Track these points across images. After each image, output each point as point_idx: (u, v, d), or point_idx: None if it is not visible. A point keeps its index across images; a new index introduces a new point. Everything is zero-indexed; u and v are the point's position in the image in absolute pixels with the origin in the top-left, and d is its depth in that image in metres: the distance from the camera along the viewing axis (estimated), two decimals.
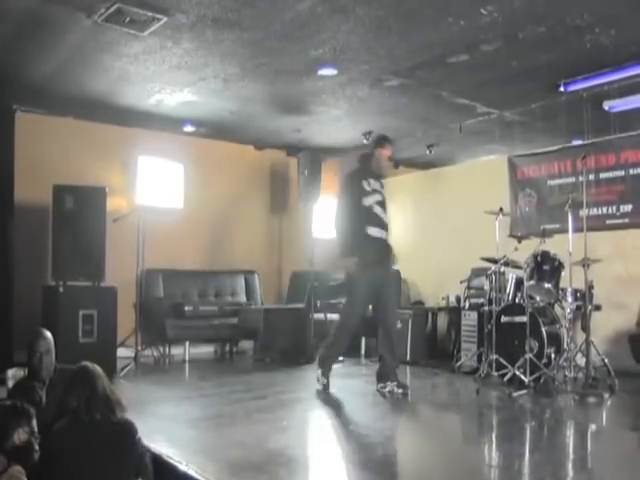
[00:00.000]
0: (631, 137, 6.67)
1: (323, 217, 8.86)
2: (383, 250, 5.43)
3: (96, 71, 6.12)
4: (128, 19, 4.89)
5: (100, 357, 5.43)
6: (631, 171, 6.62)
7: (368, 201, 5.37)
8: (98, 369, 2.96)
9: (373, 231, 5.35)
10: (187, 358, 7.50)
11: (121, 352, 6.56)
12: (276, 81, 6.49)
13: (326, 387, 5.40)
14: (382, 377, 5.40)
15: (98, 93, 6.77)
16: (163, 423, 4.39)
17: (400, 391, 5.25)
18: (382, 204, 5.47)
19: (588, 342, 5.26)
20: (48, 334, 3.81)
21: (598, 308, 5.73)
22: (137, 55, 5.71)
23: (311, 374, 5.72)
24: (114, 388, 3.03)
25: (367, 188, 5.40)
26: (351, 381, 6.26)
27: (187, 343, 7.55)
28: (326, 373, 5.44)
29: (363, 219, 5.34)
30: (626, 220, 6.55)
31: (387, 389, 5.31)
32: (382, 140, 5.58)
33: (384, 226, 5.46)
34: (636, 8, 4.83)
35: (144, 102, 7.11)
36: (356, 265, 5.24)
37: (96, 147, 7.65)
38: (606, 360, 5.37)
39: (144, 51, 5.61)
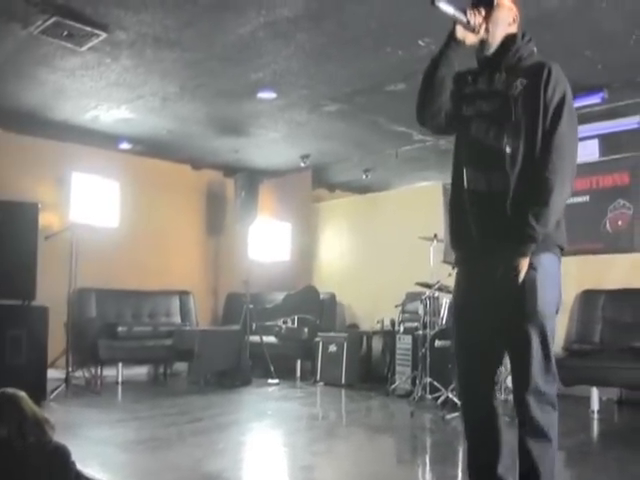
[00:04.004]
0: None
1: (259, 239, 8.85)
2: None
3: (30, 83, 5.98)
4: (66, 33, 4.80)
5: (29, 379, 5.28)
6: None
7: None
8: (19, 391, 2.86)
9: None
10: (120, 380, 7.32)
11: (51, 373, 6.32)
12: (215, 102, 6.50)
13: None
14: None
15: (32, 106, 6.61)
16: (96, 447, 4.26)
17: None
18: None
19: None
20: None
21: None
22: (74, 70, 5.61)
23: (246, 396, 5.68)
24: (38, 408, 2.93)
25: None
26: (286, 404, 6.24)
27: (120, 364, 7.37)
28: None
29: None
30: None
31: None
32: None
33: None
34: (563, 49, 5.07)
35: (80, 117, 6.98)
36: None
37: (28, 162, 7.45)
38: None
39: (81, 66, 5.53)
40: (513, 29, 2.54)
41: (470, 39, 2.45)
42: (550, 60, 2.48)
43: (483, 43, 2.49)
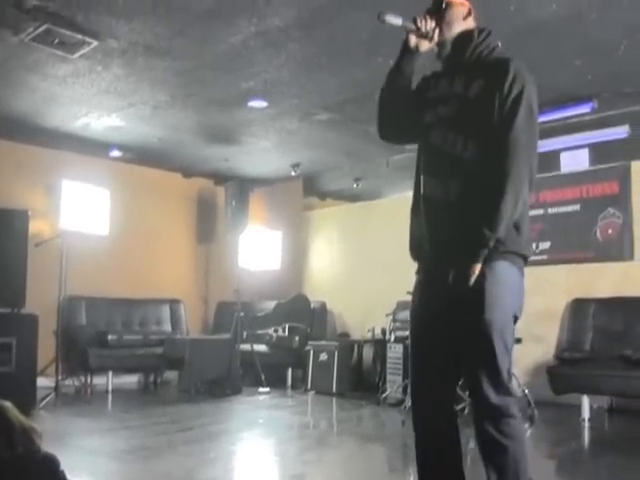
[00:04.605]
0: (549, 178, 6.99)
1: (250, 247, 8.84)
2: None
3: (21, 90, 5.96)
4: (57, 40, 4.80)
5: (19, 388, 5.23)
6: (549, 210, 6.92)
7: None
8: (4, 401, 2.83)
9: None
10: (110, 388, 7.28)
11: (41, 382, 6.29)
12: (206, 111, 6.50)
13: None
14: None
15: (22, 113, 6.59)
16: (86, 456, 4.24)
17: None
18: None
19: (510, 374, 5.42)
20: None
21: (519, 341, 5.90)
22: (65, 77, 5.60)
23: (237, 405, 5.66)
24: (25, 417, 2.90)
25: None
26: (277, 413, 6.22)
27: (110, 373, 7.33)
28: None
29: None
30: (545, 257, 6.82)
31: None
32: None
33: None
34: (552, 59, 5.13)
35: (70, 125, 6.96)
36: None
37: (19, 169, 7.42)
38: (526, 391, 5.54)
39: (73, 74, 5.52)
40: (469, 24, 2.47)
41: (425, 46, 2.42)
42: (512, 55, 2.38)
43: (440, 46, 2.45)
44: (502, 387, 2.27)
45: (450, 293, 2.27)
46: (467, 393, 5.36)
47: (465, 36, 2.44)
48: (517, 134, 2.25)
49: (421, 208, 2.42)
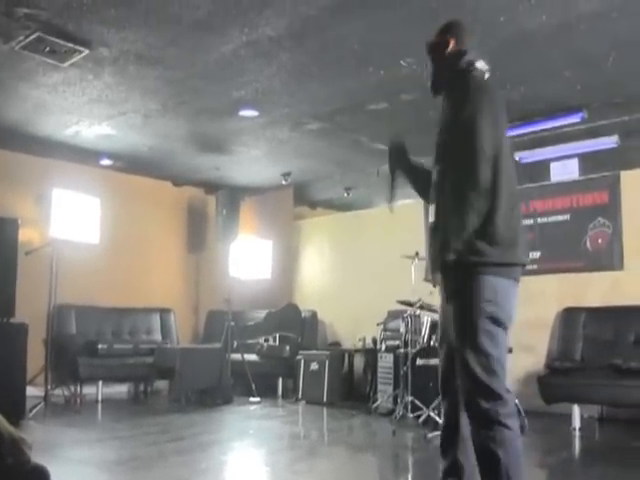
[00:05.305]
0: (539, 187, 7.02)
1: (241, 256, 8.82)
2: None
3: (11, 99, 5.95)
4: (48, 49, 4.79)
5: (8, 397, 5.18)
6: (539, 220, 6.95)
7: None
8: None
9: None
10: (100, 398, 7.24)
11: (30, 391, 6.23)
12: (197, 120, 6.50)
13: None
14: None
15: (12, 121, 6.57)
16: (76, 467, 4.20)
17: None
18: None
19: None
20: None
21: (509, 351, 5.92)
22: (56, 85, 5.59)
23: (228, 415, 5.63)
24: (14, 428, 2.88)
25: None
26: (268, 423, 6.19)
27: (100, 382, 7.30)
28: None
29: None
30: (535, 266, 6.84)
31: None
32: None
33: None
34: (542, 69, 5.17)
35: (61, 133, 6.95)
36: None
37: (8, 177, 7.40)
38: (517, 401, 5.53)
39: (63, 82, 5.51)
40: (453, 50, 2.66)
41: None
42: (474, 70, 2.59)
43: (433, 85, 2.72)
44: (482, 392, 2.41)
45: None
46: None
47: (445, 64, 2.73)
48: (471, 149, 2.41)
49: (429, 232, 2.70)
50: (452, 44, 2.65)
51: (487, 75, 2.63)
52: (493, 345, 2.41)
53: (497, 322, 2.42)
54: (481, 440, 2.38)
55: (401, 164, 2.88)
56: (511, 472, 2.30)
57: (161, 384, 8.00)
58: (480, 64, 2.62)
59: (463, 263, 2.39)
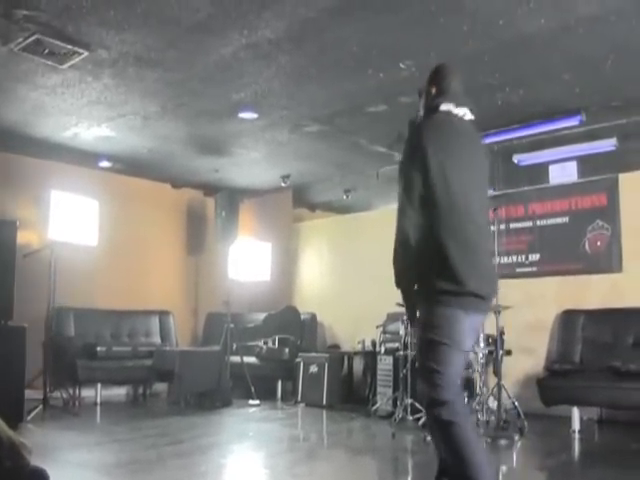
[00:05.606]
0: (537, 190, 7.03)
1: (240, 259, 8.81)
2: None
3: (9, 100, 5.93)
4: (47, 51, 4.79)
5: (6, 400, 5.16)
6: (538, 222, 6.95)
7: None
8: None
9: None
10: (99, 400, 7.23)
11: (28, 394, 6.20)
12: (196, 122, 6.50)
13: None
14: None
15: (11, 123, 6.56)
16: (75, 470, 4.19)
17: None
18: None
19: (499, 386, 5.45)
20: None
21: (509, 353, 5.93)
22: (55, 87, 5.59)
23: (227, 417, 5.62)
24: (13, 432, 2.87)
25: None
26: (267, 425, 6.19)
27: (99, 385, 7.28)
28: None
29: None
30: (534, 269, 6.85)
31: None
32: None
33: None
34: (541, 72, 5.17)
35: (60, 135, 6.94)
36: None
37: (7, 179, 7.39)
38: (516, 403, 5.54)
39: (62, 84, 5.51)
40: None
41: None
42: (418, 113, 2.92)
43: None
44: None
45: None
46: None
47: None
48: (398, 196, 2.84)
49: None
50: (434, 91, 2.94)
51: (467, 116, 2.87)
52: (438, 356, 2.68)
53: (442, 344, 2.67)
54: (437, 435, 2.75)
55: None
56: (467, 450, 2.61)
57: (160, 387, 7.98)
58: (448, 106, 2.84)
59: (422, 293, 2.80)
